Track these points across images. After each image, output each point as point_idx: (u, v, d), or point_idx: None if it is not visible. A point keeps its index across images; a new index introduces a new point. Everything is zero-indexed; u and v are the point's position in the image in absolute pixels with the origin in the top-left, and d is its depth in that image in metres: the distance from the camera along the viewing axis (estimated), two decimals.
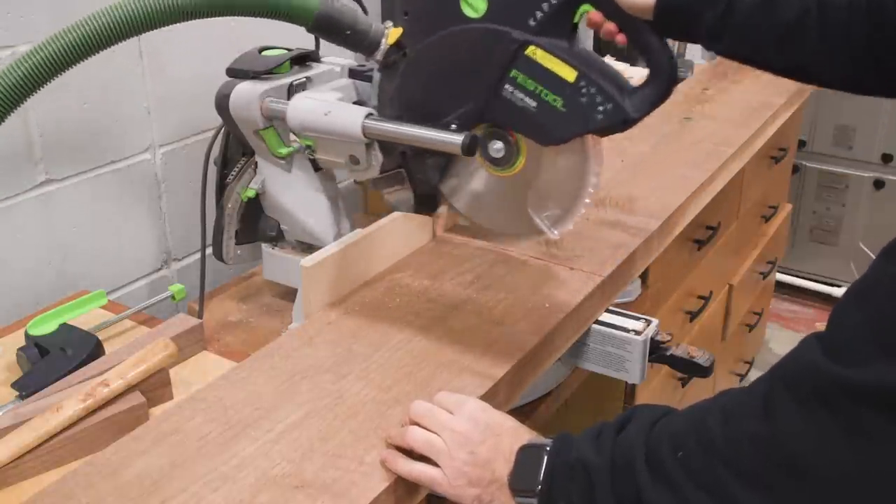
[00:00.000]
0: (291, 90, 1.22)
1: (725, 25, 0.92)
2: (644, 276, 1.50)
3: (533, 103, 0.99)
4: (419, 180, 1.17)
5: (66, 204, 1.29)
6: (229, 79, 1.21)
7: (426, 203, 1.22)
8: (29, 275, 1.27)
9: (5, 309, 1.24)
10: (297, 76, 1.23)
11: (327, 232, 1.27)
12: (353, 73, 1.22)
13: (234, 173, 1.27)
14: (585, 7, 0.96)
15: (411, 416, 0.87)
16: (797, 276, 3.00)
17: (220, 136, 1.27)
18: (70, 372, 1.01)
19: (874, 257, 0.66)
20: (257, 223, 1.32)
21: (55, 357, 1.05)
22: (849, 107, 2.74)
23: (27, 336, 1.10)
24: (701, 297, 1.86)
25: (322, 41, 1.14)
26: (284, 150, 1.21)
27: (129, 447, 0.87)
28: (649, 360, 1.22)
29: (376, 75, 1.10)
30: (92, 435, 0.92)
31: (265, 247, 1.34)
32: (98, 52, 0.94)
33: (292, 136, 1.23)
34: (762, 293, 2.42)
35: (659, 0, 0.91)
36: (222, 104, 1.19)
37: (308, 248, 1.28)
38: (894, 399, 0.58)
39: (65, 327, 1.11)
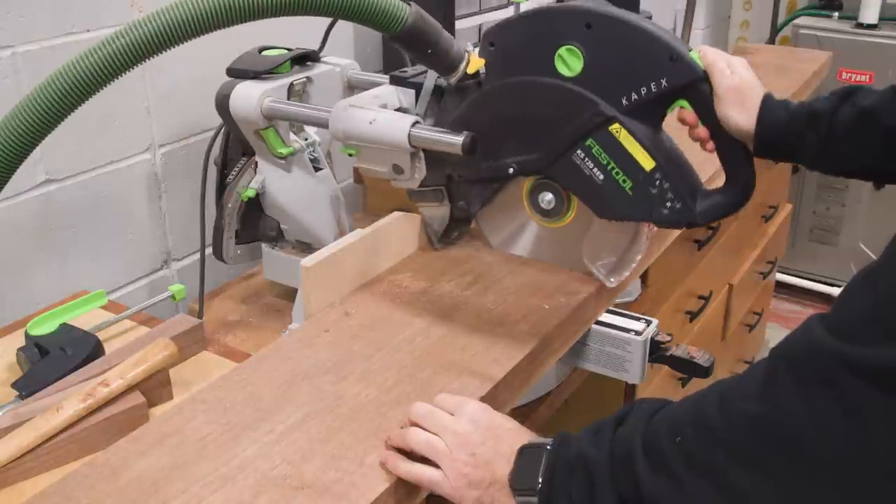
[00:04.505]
0: (292, 90, 1.22)
1: (828, 144, 0.90)
2: (644, 276, 1.50)
3: (601, 176, 0.96)
4: (459, 206, 1.14)
5: (66, 204, 1.29)
6: (229, 79, 1.21)
7: (461, 223, 1.20)
8: (29, 275, 1.27)
9: (5, 309, 1.24)
10: (298, 76, 1.23)
11: (327, 232, 1.27)
12: (395, 80, 1.15)
13: (234, 173, 1.27)
14: (682, 103, 0.94)
15: (412, 418, 0.87)
16: (797, 276, 3.00)
17: (220, 136, 1.27)
18: (70, 372, 1.01)
19: (872, 256, 0.66)
20: (257, 223, 1.32)
21: (55, 357, 1.05)
22: None
23: (27, 336, 1.10)
24: (701, 297, 1.86)
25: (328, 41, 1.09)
26: (284, 150, 1.21)
27: (129, 448, 0.87)
28: (649, 361, 1.22)
29: (428, 83, 1.07)
30: (92, 435, 0.92)
31: (265, 247, 1.34)
32: (163, 51, 0.81)
33: (292, 136, 1.24)
34: (762, 293, 2.42)
35: (760, 130, 0.90)
36: (222, 104, 1.19)
37: (308, 248, 1.28)
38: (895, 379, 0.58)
39: (65, 327, 1.11)
